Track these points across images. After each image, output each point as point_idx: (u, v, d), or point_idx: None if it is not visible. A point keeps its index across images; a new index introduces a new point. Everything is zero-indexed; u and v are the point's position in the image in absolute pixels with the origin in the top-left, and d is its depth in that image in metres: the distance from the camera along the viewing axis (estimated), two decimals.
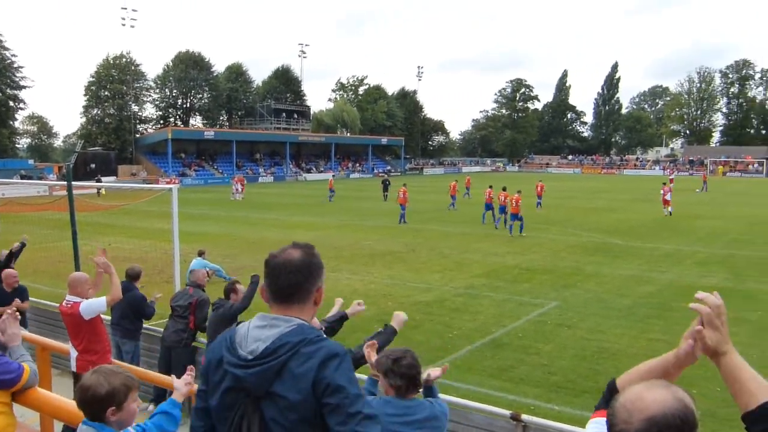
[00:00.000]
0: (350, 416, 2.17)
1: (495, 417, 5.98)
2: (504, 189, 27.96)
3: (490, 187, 30.47)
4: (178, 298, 8.66)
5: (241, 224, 29.14)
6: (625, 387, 2.02)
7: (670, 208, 32.17)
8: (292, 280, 2.38)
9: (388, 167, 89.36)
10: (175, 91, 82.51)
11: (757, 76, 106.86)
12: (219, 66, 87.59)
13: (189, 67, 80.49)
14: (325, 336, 2.37)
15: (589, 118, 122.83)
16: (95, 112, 73.72)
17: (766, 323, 12.66)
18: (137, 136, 73.26)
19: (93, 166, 59.28)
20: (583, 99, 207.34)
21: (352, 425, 2.16)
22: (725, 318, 1.90)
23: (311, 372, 2.19)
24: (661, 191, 33.27)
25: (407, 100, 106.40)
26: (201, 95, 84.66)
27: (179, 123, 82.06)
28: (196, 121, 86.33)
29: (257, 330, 2.32)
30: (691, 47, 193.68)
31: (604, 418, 1.90)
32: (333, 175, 60.81)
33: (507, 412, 5.88)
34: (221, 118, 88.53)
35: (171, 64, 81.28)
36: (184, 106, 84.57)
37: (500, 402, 8.01)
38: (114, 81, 72.69)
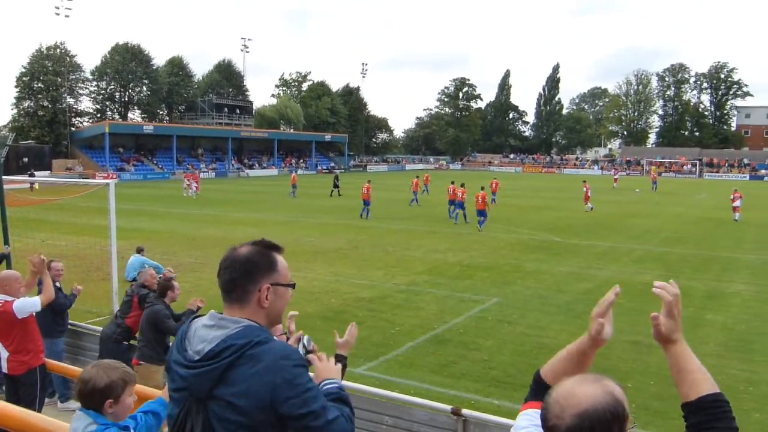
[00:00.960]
0: (315, 414, 2.18)
1: (436, 412, 6.04)
2: (462, 185, 29.00)
3: (452, 183, 31.02)
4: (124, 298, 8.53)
5: (181, 221, 28.61)
6: (548, 375, 2.08)
7: (590, 205, 33.76)
8: (226, 276, 2.35)
9: (332, 164, 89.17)
10: (113, 83, 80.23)
11: (692, 80, 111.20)
12: (159, 59, 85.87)
13: (127, 60, 78.40)
14: (272, 337, 2.30)
15: (530, 117, 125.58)
16: (27, 104, 71.02)
17: (697, 318, 13.11)
18: (73, 129, 70.96)
19: (26, 160, 57.30)
20: (525, 99, 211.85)
21: (322, 420, 2.19)
22: (680, 307, 1.99)
23: (261, 376, 2.15)
24: (584, 188, 34.94)
25: (351, 97, 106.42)
26: (140, 88, 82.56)
27: (117, 117, 79.93)
28: (135, 115, 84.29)
29: (204, 330, 2.28)
30: (629, 50, 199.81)
31: (534, 410, 1.93)
32: (296, 171, 60.79)
33: (448, 407, 5.94)
34: (161, 112, 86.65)
35: (108, 56, 79.05)
36: (123, 99, 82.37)
37: (441, 397, 8.11)
38: (48, 72, 70.16)
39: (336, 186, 43.91)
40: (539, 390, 2.02)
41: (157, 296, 7.70)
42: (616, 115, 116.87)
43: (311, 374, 2.42)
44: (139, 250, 16.42)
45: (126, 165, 67.53)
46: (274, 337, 2.34)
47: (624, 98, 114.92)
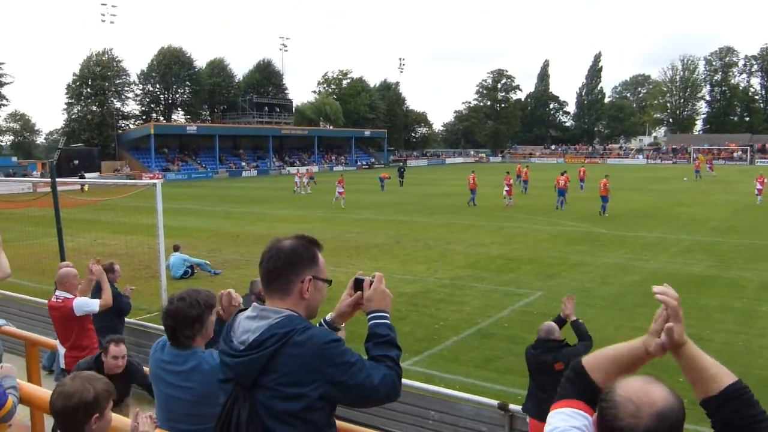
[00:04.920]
0: (362, 385, 2.28)
1: (483, 407, 6.05)
2: (563, 173, 31.82)
3: (562, 173, 32.25)
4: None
5: (224, 219, 29.05)
6: (598, 376, 1.91)
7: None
8: (270, 265, 2.43)
9: (372, 160, 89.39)
10: (157, 86, 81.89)
11: (741, 63, 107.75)
12: (200, 61, 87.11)
13: (171, 63, 79.91)
14: (313, 325, 2.40)
15: (571, 107, 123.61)
16: (77, 109, 73.10)
17: (751, 310, 12.77)
18: (120, 132, 72.68)
19: (76, 162, 58.73)
20: (566, 88, 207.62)
21: (370, 387, 2.29)
22: (681, 310, 1.90)
23: (306, 363, 2.24)
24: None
25: (390, 92, 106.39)
26: (183, 90, 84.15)
27: (161, 118, 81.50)
28: (179, 116, 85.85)
29: (247, 321, 2.38)
30: (674, 37, 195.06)
31: (571, 409, 1.83)
32: (384, 165, 62.62)
33: (494, 402, 5.95)
34: (203, 112, 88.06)
35: (155, 60, 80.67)
36: (167, 101, 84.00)
37: (487, 392, 8.09)
38: (96, 78, 72.03)
39: (402, 177, 47.97)
40: (584, 389, 1.89)
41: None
42: (661, 102, 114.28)
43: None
44: (177, 248, 16.77)
45: (171, 165, 68.79)
46: (314, 325, 2.42)
47: (669, 84, 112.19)
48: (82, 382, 2.98)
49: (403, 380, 6.37)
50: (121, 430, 3.21)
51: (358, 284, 2.59)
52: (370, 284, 2.55)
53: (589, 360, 1.96)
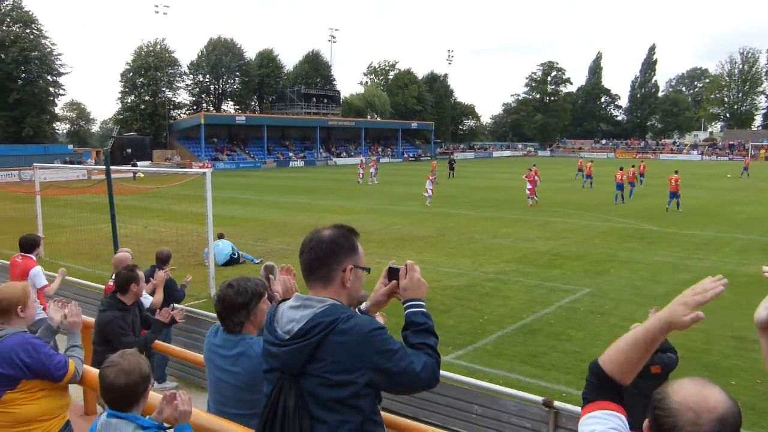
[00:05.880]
0: (404, 372, 2.32)
1: (527, 403, 5.99)
2: (621, 169, 31.55)
3: (621, 168, 31.86)
4: None
5: (272, 208, 29.37)
6: (614, 369, 1.86)
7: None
8: (312, 255, 2.47)
9: (419, 152, 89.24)
10: (207, 76, 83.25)
11: None
12: (250, 52, 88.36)
13: (222, 54, 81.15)
14: (356, 313, 2.44)
15: (624, 101, 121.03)
16: (131, 98, 74.90)
17: None
18: (171, 121, 74.15)
19: (129, 150, 60.16)
20: (618, 82, 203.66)
21: (412, 374, 2.32)
22: None
23: (352, 350, 2.27)
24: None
25: (437, 83, 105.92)
26: (233, 81, 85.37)
27: (211, 108, 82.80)
28: (228, 107, 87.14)
29: (291, 311, 2.41)
30: (732, 30, 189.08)
31: (603, 411, 1.80)
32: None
33: (539, 399, 5.88)
34: (252, 103, 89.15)
35: (205, 50, 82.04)
36: (217, 91, 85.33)
37: (531, 388, 8.00)
38: (149, 68, 73.62)
39: (452, 169, 49.63)
40: (606, 387, 1.87)
41: (114, 294, 5.76)
42: (718, 96, 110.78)
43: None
44: (221, 236, 17.08)
45: (220, 155, 69.83)
46: (358, 314, 2.46)
47: (727, 78, 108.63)
48: (135, 358, 3.12)
49: (447, 373, 6.38)
50: (154, 406, 3.26)
51: (393, 273, 2.61)
52: (405, 273, 2.56)
53: (603, 357, 1.93)
